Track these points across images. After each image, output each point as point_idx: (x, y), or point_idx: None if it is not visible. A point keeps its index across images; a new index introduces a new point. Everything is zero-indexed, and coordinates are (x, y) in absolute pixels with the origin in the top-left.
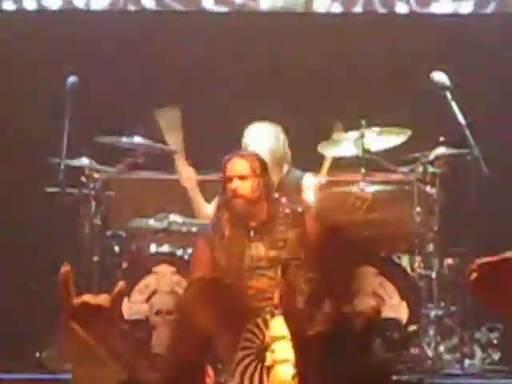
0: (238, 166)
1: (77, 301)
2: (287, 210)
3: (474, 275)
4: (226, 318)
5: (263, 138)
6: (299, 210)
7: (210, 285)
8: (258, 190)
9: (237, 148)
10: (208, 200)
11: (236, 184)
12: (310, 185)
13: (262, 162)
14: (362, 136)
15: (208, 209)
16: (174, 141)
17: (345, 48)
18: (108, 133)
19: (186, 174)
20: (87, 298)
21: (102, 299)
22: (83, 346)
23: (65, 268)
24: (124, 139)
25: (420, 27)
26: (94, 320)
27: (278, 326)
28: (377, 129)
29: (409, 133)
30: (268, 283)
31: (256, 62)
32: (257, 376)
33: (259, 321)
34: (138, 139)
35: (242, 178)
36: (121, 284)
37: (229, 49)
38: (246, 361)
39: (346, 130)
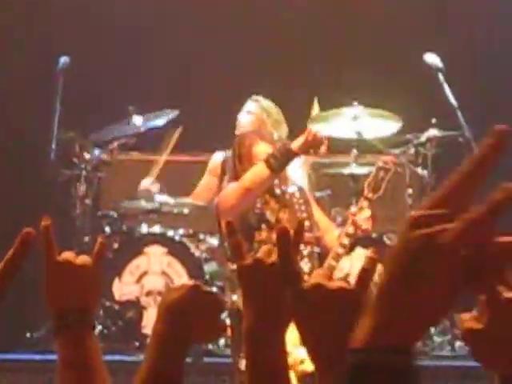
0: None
1: (60, 258)
2: (295, 187)
3: None
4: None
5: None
6: (300, 185)
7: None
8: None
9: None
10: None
11: None
12: (299, 163)
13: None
14: (355, 118)
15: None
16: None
17: (335, 29)
18: (98, 113)
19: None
20: (69, 256)
21: (84, 259)
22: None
23: (45, 222)
24: (116, 129)
25: (412, 7)
26: (77, 279)
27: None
28: (369, 111)
29: (401, 122)
30: None
31: (244, 37)
32: None
33: None
34: (131, 123)
35: None
36: (99, 241)
37: (226, 28)
38: None
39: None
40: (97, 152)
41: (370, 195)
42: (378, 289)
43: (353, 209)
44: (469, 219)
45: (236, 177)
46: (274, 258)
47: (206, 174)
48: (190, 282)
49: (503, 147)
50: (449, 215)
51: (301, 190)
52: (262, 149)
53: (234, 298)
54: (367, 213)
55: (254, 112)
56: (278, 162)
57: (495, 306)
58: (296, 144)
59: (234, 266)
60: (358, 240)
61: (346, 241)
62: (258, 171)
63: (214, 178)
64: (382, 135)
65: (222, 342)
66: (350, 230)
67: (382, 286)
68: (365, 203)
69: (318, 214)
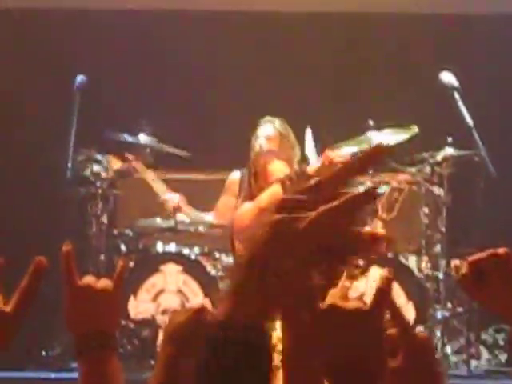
0: (280, 168)
1: (81, 282)
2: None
3: (463, 271)
4: None
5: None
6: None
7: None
8: None
9: (245, 148)
10: (214, 198)
11: None
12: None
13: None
14: (370, 136)
15: (208, 217)
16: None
17: (352, 48)
18: (116, 132)
19: (172, 200)
20: (90, 280)
21: (105, 283)
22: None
23: (67, 247)
24: (131, 139)
25: (427, 27)
26: (98, 303)
27: None
28: (386, 130)
29: (416, 130)
30: None
31: (262, 62)
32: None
33: None
34: (145, 139)
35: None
36: (120, 264)
37: (238, 49)
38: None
39: (354, 131)
40: (115, 166)
41: (383, 216)
42: (234, 267)
43: (367, 228)
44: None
45: (251, 195)
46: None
47: (223, 192)
48: (195, 305)
49: (379, 160)
50: (311, 203)
51: None
52: (278, 167)
53: None
54: (382, 232)
55: (274, 137)
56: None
57: (409, 343)
58: (312, 168)
59: None
60: (373, 260)
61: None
62: (273, 193)
63: (232, 198)
64: (399, 142)
65: None
66: None
67: (237, 264)
68: (379, 224)
69: None
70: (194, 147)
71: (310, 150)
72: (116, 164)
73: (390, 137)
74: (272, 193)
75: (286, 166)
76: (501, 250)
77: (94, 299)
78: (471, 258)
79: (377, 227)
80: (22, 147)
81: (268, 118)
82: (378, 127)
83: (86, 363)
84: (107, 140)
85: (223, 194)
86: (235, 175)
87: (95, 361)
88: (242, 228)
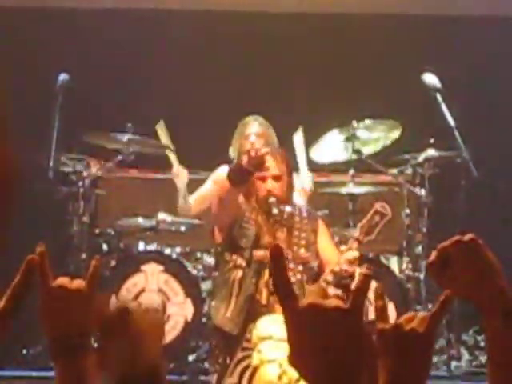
0: (271, 165)
1: (54, 283)
2: (304, 213)
3: (431, 258)
4: None
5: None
6: (314, 214)
7: None
8: (288, 190)
9: (226, 148)
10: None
11: (271, 184)
12: (298, 187)
13: (289, 162)
14: (353, 137)
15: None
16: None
17: (335, 50)
18: (98, 131)
19: (182, 174)
20: (64, 281)
21: (79, 283)
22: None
23: (40, 248)
24: (114, 137)
25: (411, 28)
26: (72, 304)
27: (264, 326)
28: (368, 122)
29: (400, 128)
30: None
31: (245, 61)
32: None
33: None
34: (127, 137)
35: (275, 178)
36: (93, 264)
37: (225, 49)
38: (246, 361)
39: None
40: (94, 169)
41: (360, 237)
42: None
43: (342, 247)
44: None
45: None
46: (413, 324)
47: (211, 179)
48: None
49: None
50: None
51: (312, 216)
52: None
53: (213, 303)
54: (355, 254)
55: (262, 134)
56: (234, 176)
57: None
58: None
59: (216, 273)
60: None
61: (330, 278)
62: (217, 176)
63: (217, 188)
64: (383, 146)
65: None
66: (336, 268)
67: None
68: (354, 245)
69: (326, 244)
70: (178, 147)
71: (301, 155)
72: (96, 164)
73: (372, 138)
74: (217, 175)
75: (274, 162)
76: (466, 236)
77: (67, 300)
78: (439, 245)
79: (352, 248)
80: None
81: (251, 116)
82: (362, 122)
83: (62, 365)
84: (89, 140)
85: (211, 181)
86: (224, 169)
87: (71, 363)
88: (212, 216)
